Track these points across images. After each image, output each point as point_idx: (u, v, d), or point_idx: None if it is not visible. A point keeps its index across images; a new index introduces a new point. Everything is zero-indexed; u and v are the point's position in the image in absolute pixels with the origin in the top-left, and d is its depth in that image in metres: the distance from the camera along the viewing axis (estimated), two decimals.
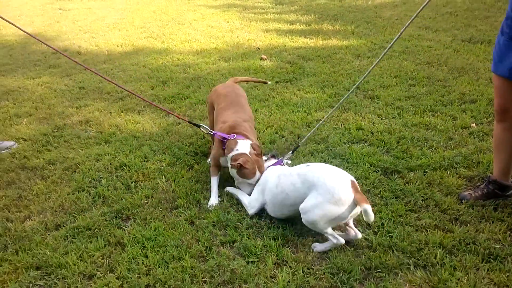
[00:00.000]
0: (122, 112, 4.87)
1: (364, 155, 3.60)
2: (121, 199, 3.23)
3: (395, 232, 2.70)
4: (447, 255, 2.51)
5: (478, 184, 3.14)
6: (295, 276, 2.42)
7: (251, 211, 2.97)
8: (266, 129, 4.23)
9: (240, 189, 3.19)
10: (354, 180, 2.59)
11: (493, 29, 7.09)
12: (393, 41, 2.97)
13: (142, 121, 4.61)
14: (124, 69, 6.47)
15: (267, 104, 4.86)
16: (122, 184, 3.44)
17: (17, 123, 4.72)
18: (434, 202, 2.99)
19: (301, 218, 2.60)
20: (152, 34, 8.62)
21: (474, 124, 4.03)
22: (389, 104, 4.61)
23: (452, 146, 3.69)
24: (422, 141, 3.80)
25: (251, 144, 3.11)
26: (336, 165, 3.45)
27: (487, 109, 4.29)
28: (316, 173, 2.61)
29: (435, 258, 2.49)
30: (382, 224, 2.79)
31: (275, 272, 2.47)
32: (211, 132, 3.40)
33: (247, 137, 3.18)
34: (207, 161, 3.68)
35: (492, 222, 2.76)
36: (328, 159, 3.60)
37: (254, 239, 2.74)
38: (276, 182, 2.84)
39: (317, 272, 2.45)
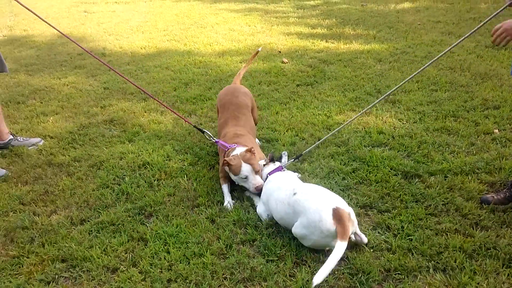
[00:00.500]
0: (145, 112, 4.97)
1: (385, 159, 3.60)
2: (144, 196, 3.31)
3: (415, 235, 2.71)
4: (467, 259, 2.50)
5: (500, 188, 3.12)
6: (314, 275, 2.43)
7: (263, 220, 2.97)
8: (286, 131, 4.27)
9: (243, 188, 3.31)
10: (340, 205, 2.50)
11: None
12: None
13: (164, 121, 4.69)
14: (147, 70, 6.58)
15: (288, 106, 4.89)
16: (145, 182, 3.52)
17: (44, 121, 4.85)
18: (455, 206, 2.97)
19: None
20: (174, 37, 8.74)
21: (497, 130, 3.99)
22: (411, 108, 4.59)
23: (474, 152, 3.67)
24: (444, 146, 3.78)
25: (246, 149, 3.23)
26: (356, 168, 3.52)
27: (511, 115, 4.24)
28: (301, 203, 2.60)
29: (455, 262, 2.48)
30: (402, 227, 2.79)
31: (294, 271, 2.51)
32: (214, 139, 3.58)
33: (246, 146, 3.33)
34: None
35: None
36: (348, 161, 3.62)
37: (274, 238, 2.77)
38: (274, 206, 2.84)
39: (336, 272, 2.46)
